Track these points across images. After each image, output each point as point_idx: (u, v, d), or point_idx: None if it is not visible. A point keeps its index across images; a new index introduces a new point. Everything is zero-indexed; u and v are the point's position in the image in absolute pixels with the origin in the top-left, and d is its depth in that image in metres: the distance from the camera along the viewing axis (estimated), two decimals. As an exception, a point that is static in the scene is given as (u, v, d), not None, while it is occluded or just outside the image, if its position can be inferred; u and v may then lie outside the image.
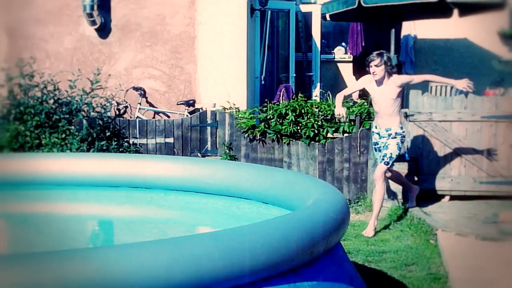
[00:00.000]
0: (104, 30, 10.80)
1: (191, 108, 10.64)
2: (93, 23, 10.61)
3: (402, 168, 8.62)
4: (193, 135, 9.69)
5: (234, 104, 9.92)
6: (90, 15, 10.50)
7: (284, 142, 9.20)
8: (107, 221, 5.95)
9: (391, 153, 7.59)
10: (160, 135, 9.69)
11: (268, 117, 9.30)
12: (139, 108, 10.66)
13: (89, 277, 2.80)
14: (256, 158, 9.38)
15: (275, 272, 3.51)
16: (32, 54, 9.92)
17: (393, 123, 7.55)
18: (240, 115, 9.54)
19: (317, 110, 9.24)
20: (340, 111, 7.62)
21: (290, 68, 12.79)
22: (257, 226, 3.68)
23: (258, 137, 9.36)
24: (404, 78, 7.65)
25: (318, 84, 13.21)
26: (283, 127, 9.13)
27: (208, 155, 9.63)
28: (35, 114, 8.77)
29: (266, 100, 9.95)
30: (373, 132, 7.84)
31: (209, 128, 9.68)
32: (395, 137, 7.57)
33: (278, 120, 9.24)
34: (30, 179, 6.10)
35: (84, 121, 8.97)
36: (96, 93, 9.34)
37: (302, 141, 9.12)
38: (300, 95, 9.65)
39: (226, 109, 9.81)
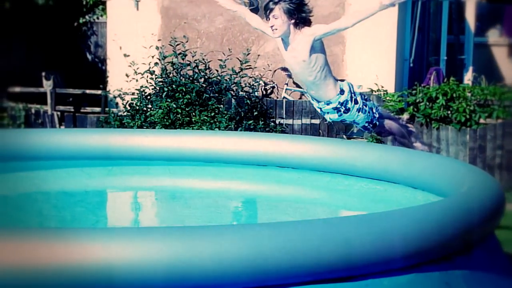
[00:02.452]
0: (255, 10, 10.90)
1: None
2: (244, 4, 10.72)
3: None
4: (340, 117, 9.62)
5: (382, 87, 9.76)
6: (242, -4, 10.62)
7: (433, 127, 8.96)
8: (253, 199, 6.01)
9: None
10: (306, 116, 9.69)
11: (417, 100, 9.09)
12: (286, 89, 10.71)
13: (242, 252, 2.84)
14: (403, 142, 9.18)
15: (426, 258, 3.42)
16: (185, 34, 10.16)
17: (329, 92, 5.33)
18: (387, 98, 9.37)
19: (469, 94, 8.94)
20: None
21: (441, 50, 12.42)
22: (410, 210, 3.60)
23: (406, 121, 9.16)
24: (317, 28, 5.18)
25: (471, 68, 12.77)
26: (433, 111, 8.89)
27: (354, 138, 9.54)
28: (186, 92, 8.98)
29: (415, 83, 9.72)
30: (315, 107, 5.65)
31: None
32: (347, 110, 5.40)
33: (428, 103, 9.01)
34: (179, 155, 6.27)
35: (233, 100, 9.11)
36: (245, 73, 9.45)
37: (453, 126, 8.85)
38: (451, 78, 9.36)
39: (373, 91, 9.67)
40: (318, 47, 5.14)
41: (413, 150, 5.97)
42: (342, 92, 5.30)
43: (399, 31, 10.61)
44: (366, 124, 5.54)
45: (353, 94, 5.34)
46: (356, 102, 5.36)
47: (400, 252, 3.29)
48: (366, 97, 5.58)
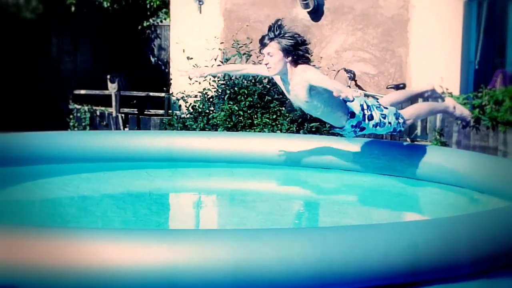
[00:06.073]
0: (317, 13, 10.86)
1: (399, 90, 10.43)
2: (306, 6, 10.70)
3: None
4: (403, 120, 9.50)
5: (447, 89, 9.61)
6: (304, -2, 10.59)
7: (500, 130, 8.77)
8: (316, 202, 5.97)
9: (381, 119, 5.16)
10: (369, 119, 9.59)
11: (483, 103, 8.91)
12: (348, 91, 10.62)
13: (308, 255, 2.82)
14: (468, 145, 9.03)
15: (495, 264, 3.34)
16: (247, 36, 10.18)
17: (340, 119, 5.06)
18: (453, 101, 9.22)
19: (537, 97, 8.73)
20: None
21: (508, 52, 12.15)
22: (478, 215, 3.53)
23: (471, 124, 9.00)
24: (311, 77, 4.76)
25: (539, 70, 12.47)
26: (499, 114, 8.70)
27: (418, 140, 9.42)
28: (248, 94, 8.99)
29: (480, 85, 9.53)
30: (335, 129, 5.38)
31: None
32: (362, 129, 5.17)
33: (494, 106, 8.82)
34: (241, 157, 6.28)
35: (295, 103, 9.06)
36: (307, 75, 9.41)
37: (520, 129, 8.66)
38: (518, 81, 9.16)
39: (437, 94, 9.53)
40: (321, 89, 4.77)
41: (480, 154, 5.85)
42: (353, 115, 5.01)
43: (464, 33, 10.43)
44: (390, 131, 5.33)
45: (366, 111, 5.05)
46: (371, 118, 5.06)
47: (467, 258, 3.22)
48: (386, 106, 5.25)
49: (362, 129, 5.13)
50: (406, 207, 5.57)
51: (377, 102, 5.29)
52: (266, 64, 4.83)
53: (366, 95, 10.50)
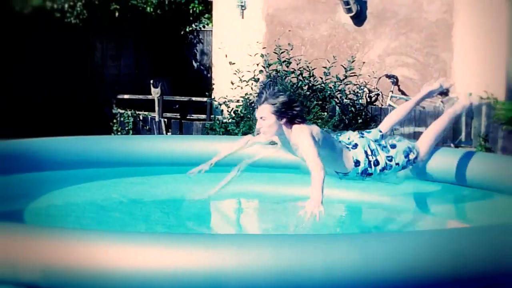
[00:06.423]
0: (359, 18, 10.81)
1: (445, 97, 10.31)
2: (349, 10, 10.66)
3: None
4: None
5: (492, 94, 9.49)
6: (347, 3, 10.55)
7: (546, 136, 8.63)
8: (357, 207, 5.94)
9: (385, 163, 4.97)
10: (411, 124, 9.52)
11: (529, 108, 8.78)
12: (391, 96, 10.56)
13: (352, 261, 2.80)
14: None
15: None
16: (289, 41, 10.17)
17: (344, 168, 4.89)
18: (498, 106, 9.09)
19: None
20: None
21: (555, 57, 11.95)
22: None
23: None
24: (300, 143, 4.52)
25: None
26: (546, 120, 8.57)
27: (462, 146, 9.30)
28: (290, 99, 8.97)
29: (527, 90, 9.39)
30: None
31: (463, 118, 9.34)
32: (369, 175, 4.96)
33: (540, 112, 8.68)
34: (283, 162, 6.26)
35: (337, 108, 9.04)
36: (350, 80, 9.37)
37: None
38: None
39: (482, 99, 9.40)
40: (316, 143, 4.52)
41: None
42: (357, 163, 4.84)
43: (509, 37, 10.28)
44: (400, 170, 5.10)
45: (371, 157, 4.88)
46: (377, 164, 4.89)
47: (506, 264, 3.17)
48: (393, 143, 5.05)
49: (369, 174, 4.96)
50: (451, 213, 5.51)
51: (380, 133, 5.12)
52: (259, 129, 4.64)
53: (406, 101, 10.45)
